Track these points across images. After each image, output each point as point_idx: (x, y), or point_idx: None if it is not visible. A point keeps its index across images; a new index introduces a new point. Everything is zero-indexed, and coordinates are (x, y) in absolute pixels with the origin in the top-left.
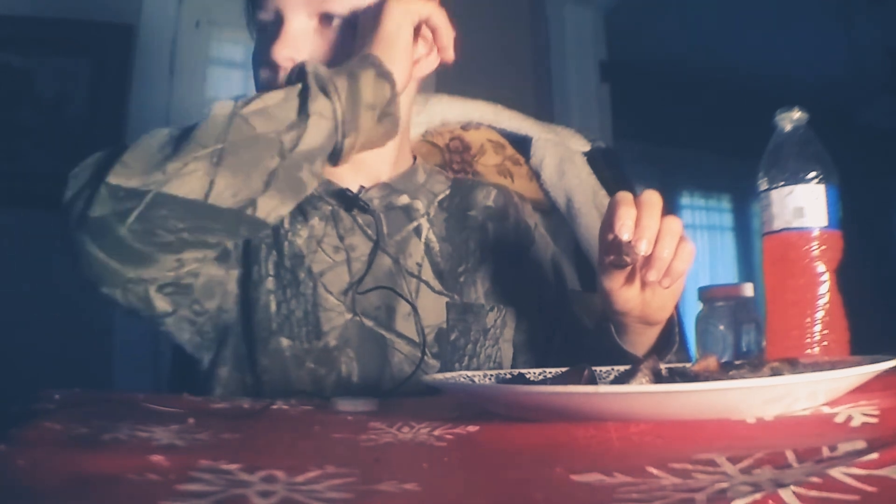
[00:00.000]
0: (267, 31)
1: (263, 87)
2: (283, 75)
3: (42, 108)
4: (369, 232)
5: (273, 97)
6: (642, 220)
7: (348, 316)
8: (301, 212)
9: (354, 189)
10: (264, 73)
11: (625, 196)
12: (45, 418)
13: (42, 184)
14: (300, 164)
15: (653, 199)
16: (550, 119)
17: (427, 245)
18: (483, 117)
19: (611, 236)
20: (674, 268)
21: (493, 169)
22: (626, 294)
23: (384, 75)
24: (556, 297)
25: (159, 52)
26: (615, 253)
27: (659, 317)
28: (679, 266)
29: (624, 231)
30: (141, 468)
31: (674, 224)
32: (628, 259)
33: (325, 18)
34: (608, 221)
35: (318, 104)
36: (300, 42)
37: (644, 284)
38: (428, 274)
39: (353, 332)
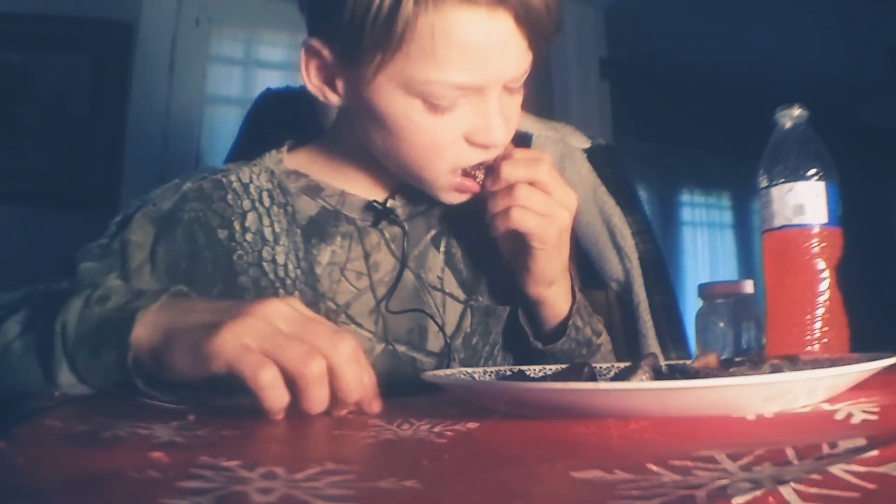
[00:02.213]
0: (443, 112)
1: (452, 161)
2: (498, 153)
3: (42, 106)
4: (393, 247)
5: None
6: (504, 165)
7: (380, 347)
8: (318, 233)
9: (380, 198)
10: (455, 149)
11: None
12: (45, 416)
13: (42, 181)
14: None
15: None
16: (550, 116)
17: (448, 253)
18: None
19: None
20: (502, 171)
21: None
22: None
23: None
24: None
25: (159, 50)
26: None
27: (547, 276)
28: (506, 171)
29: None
30: (141, 465)
31: (531, 166)
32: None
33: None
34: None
35: (62, 374)
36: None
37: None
38: (452, 285)
39: (383, 364)
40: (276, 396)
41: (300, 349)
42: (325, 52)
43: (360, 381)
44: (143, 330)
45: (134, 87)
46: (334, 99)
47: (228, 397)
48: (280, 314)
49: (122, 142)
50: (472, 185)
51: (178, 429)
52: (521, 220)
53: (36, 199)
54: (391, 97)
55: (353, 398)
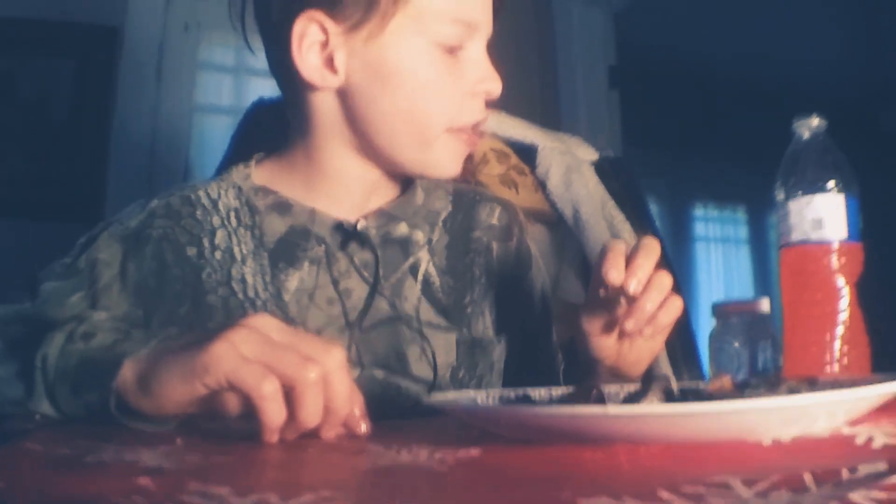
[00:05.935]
0: (452, 54)
1: (458, 114)
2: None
3: (24, 111)
4: (366, 274)
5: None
6: (636, 261)
7: (356, 373)
8: (286, 256)
9: (351, 219)
10: (460, 99)
11: (618, 242)
12: (26, 439)
13: (23, 189)
14: None
15: (651, 244)
16: (557, 127)
17: (426, 282)
18: (486, 125)
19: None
20: (657, 319)
21: (496, 179)
22: (603, 341)
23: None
24: (542, 331)
25: (146, 56)
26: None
27: (632, 371)
28: (663, 318)
29: (612, 273)
30: (127, 491)
31: (664, 278)
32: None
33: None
34: (599, 263)
35: (43, 406)
36: None
37: (622, 334)
38: (428, 314)
39: (362, 389)
40: (276, 410)
41: (296, 356)
42: (326, 20)
43: (351, 391)
44: (130, 366)
45: (120, 94)
46: (331, 80)
47: (218, 421)
48: (271, 326)
49: (107, 150)
50: (471, 137)
51: (166, 454)
52: (665, 324)
53: (16, 209)
54: (402, 44)
55: (344, 410)
